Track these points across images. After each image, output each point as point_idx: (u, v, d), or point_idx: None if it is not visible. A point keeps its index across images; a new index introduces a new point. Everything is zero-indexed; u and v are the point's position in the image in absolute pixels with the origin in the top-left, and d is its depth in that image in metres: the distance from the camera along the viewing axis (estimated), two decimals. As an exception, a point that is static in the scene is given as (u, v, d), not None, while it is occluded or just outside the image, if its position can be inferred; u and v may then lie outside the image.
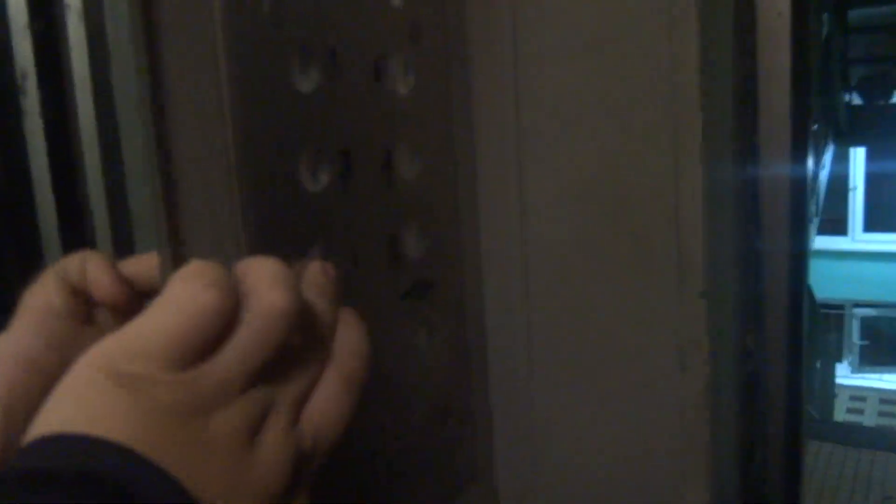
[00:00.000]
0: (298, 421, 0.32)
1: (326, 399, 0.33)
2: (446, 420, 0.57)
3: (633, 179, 0.54)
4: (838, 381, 7.26)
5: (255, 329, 0.30)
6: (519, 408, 0.62)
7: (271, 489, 0.30)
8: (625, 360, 0.57)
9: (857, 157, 8.31)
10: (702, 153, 0.52)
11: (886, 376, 8.28)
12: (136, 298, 0.40)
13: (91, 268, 0.40)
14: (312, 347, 0.33)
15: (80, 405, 0.27)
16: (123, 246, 0.88)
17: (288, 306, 0.30)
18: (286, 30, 0.41)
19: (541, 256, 0.59)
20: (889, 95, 5.29)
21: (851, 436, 4.47)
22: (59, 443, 0.26)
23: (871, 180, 8.48)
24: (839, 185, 7.76)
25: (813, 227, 4.17)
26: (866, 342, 8.72)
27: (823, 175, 4.67)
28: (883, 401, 7.74)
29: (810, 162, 0.68)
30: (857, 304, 8.68)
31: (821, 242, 7.46)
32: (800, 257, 0.66)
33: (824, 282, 7.48)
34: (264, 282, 0.31)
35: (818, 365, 5.85)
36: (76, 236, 0.89)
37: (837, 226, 8.36)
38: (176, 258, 0.37)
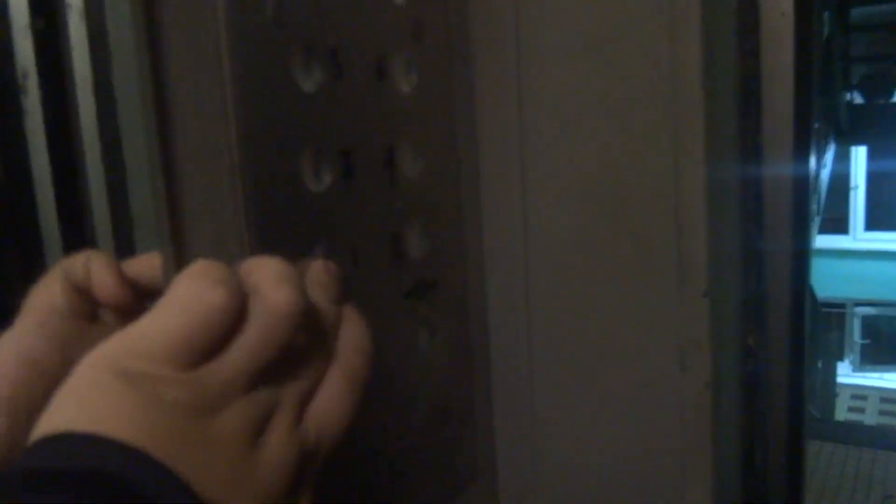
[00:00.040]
0: (302, 420, 0.32)
1: (330, 398, 0.33)
2: (447, 420, 0.57)
3: (635, 179, 0.54)
4: (839, 380, 7.25)
5: (261, 328, 0.30)
6: (520, 407, 0.61)
7: (275, 488, 0.30)
8: (626, 360, 0.57)
9: (859, 155, 8.31)
10: (704, 153, 0.52)
11: (887, 375, 8.28)
12: (140, 298, 0.40)
13: (95, 267, 0.40)
14: (316, 346, 0.33)
15: (84, 404, 0.27)
16: (124, 246, 0.88)
17: (293, 306, 0.30)
18: (289, 29, 0.41)
19: (542, 256, 0.59)
20: (890, 94, 5.28)
21: (852, 435, 4.48)
22: (65, 442, 0.26)
23: (873, 179, 8.47)
24: (840, 183, 7.76)
25: (814, 226, 4.17)
26: (867, 341, 8.72)
27: (825, 174, 4.67)
28: (884, 400, 7.74)
29: (812, 161, 0.68)
30: (859, 303, 8.68)
31: (822, 241, 7.47)
32: (801, 256, 0.66)
33: (825, 281, 7.49)
34: (269, 281, 0.31)
35: (819, 364, 5.84)
36: (77, 236, 0.89)
37: (839, 225, 8.36)
38: (178, 258, 0.37)
